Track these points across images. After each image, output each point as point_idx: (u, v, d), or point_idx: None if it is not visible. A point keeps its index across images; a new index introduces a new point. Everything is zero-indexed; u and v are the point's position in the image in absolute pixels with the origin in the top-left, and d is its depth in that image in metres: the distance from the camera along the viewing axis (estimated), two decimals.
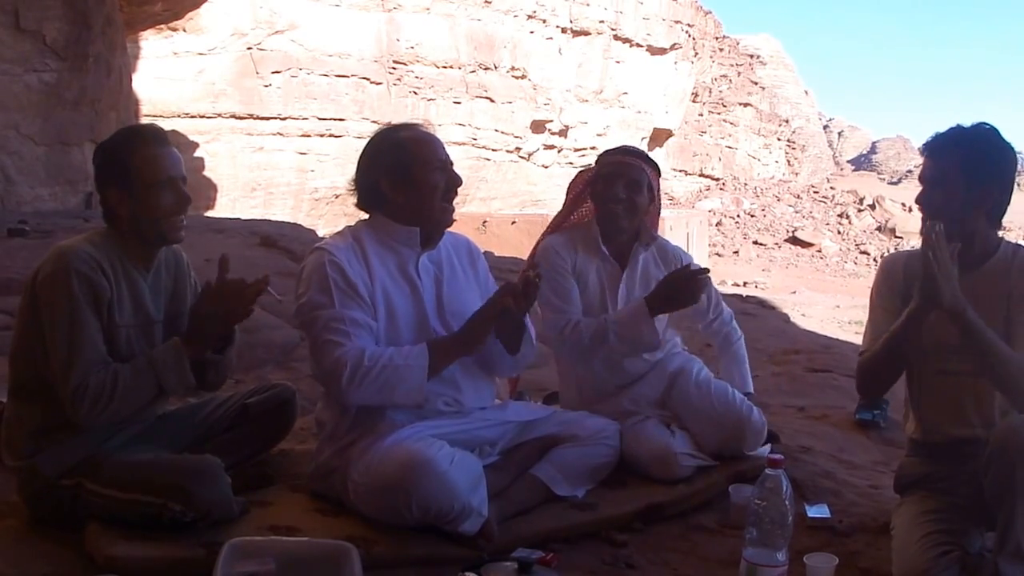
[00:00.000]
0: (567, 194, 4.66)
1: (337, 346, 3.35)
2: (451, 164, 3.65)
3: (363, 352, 3.34)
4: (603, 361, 4.31)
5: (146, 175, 3.28)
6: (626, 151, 4.47)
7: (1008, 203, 3.29)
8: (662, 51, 49.43)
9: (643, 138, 49.36)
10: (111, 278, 3.24)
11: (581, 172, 4.62)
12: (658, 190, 4.45)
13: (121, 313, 3.28)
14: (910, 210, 41.92)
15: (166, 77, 28.42)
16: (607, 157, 4.43)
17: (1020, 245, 3.42)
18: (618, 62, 46.17)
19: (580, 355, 4.30)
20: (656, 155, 49.28)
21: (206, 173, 28.32)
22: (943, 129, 3.32)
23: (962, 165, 3.20)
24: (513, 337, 3.68)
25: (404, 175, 3.57)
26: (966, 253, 3.23)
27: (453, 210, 3.68)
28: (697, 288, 4.07)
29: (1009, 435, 2.90)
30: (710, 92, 66.13)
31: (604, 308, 4.33)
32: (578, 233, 4.45)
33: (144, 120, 25.01)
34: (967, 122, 3.31)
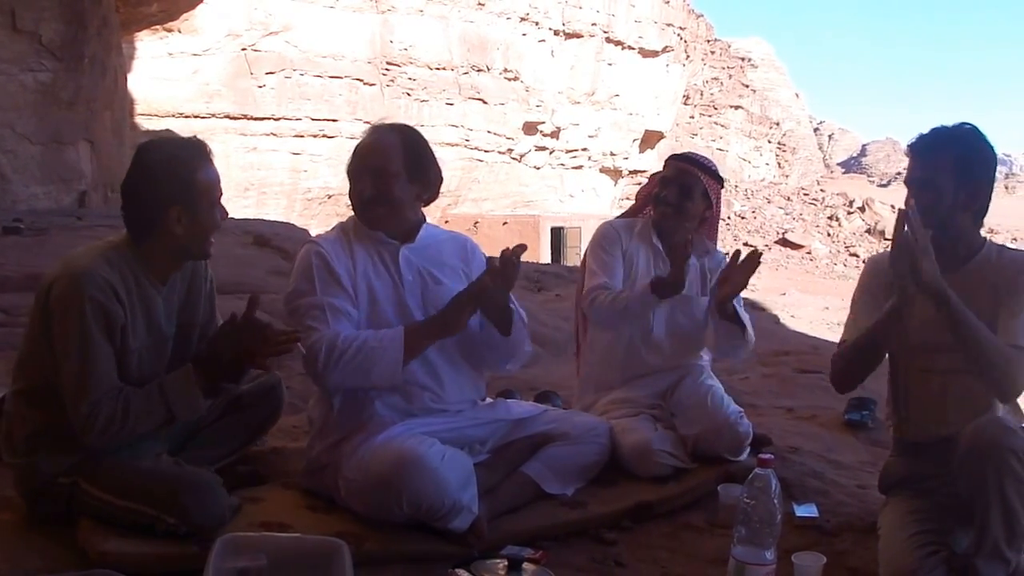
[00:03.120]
0: (639, 192, 4.86)
1: (315, 331, 3.39)
2: (382, 172, 3.65)
3: (338, 335, 3.38)
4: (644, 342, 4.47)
5: (208, 195, 3.32)
6: (687, 158, 4.59)
7: (990, 201, 3.31)
8: (654, 54, 49.38)
9: (634, 140, 49.34)
10: (125, 303, 3.22)
11: (655, 174, 4.73)
12: (718, 200, 4.56)
13: (135, 336, 3.28)
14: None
15: (161, 77, 28.41)
16: (670, 161, 4.61)
17: (1004, 246, 3.45)
18: (610, 64, 46.11)
19: (605, 322, 4.43)
20: (647, 157, 49.31)
21: None
22: (927, 131, 3.34)
23: (953, 166, 3.22)
24: (500, 321, 3.67)
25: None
26: (951, 253, 3.26)
27: (380, 213, 3.68)
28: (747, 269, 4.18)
29: (977, 436, 2.93)
30: (701, 95, 66.21)
31: None
32: (639, 223, 4.64)
33: (139, 120, 25.03)
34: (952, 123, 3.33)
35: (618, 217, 4.87)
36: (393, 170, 3.62)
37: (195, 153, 3.36)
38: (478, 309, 3.60)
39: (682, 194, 4.44)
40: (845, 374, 3.50)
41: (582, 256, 4.83)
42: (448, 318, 3.50)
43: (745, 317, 4.33)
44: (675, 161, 4.58)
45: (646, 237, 4.56)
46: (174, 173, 3.28)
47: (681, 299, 4.38)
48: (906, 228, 3.08)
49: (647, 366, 4.48)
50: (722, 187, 4.64)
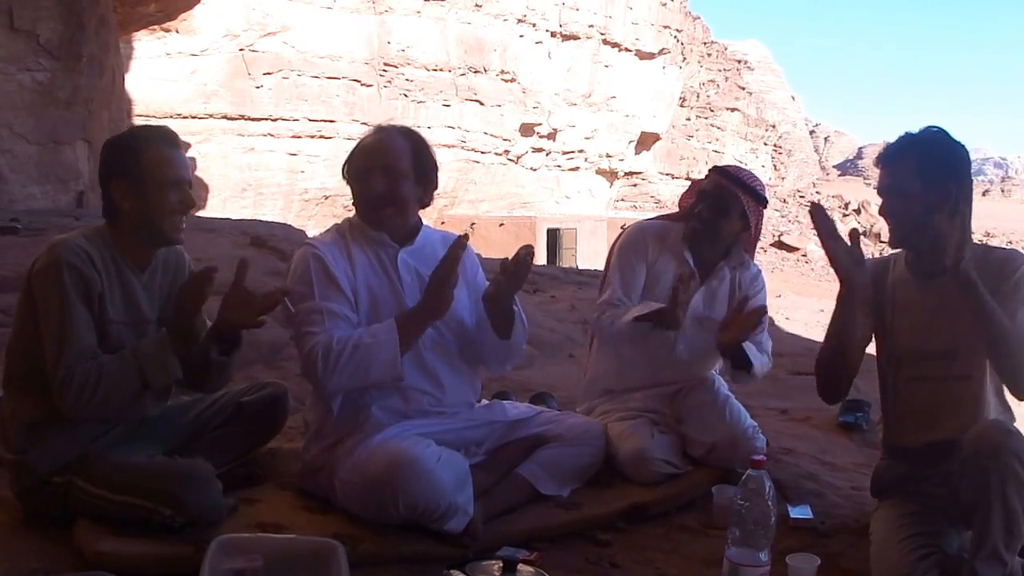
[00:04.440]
0: (682, 198, 4.64)
1: (313, 336, 3.39)
2: (392, 170, 3.64)
3: (332, 338, 3.37)
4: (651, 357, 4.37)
5: (156, 173, 3.32)
6: (730, 175, 4.36)
7: (970, 201, 3.31)
8: (650, 56, 49.45)
9: (631, 141, 49.42)
10: (101, 272, 3.26)
11: (696, 181, 4.61)
12: (759, 220, 4.39)
13: (113, 309, 3.30)
14: None
15: (159, 77, 28.48)
16: (713, 173, 4.41)
17: (989, 246, 3.46)
18: (607, 66, 46.18)
19: (607, 341, 4.38)
20: (643, 159, 49.38)
21: (197, 173, 28.27)
22: (893, 140, 3.38)
23: (917, 169, 3.24)
24: (503, 321, 3.67)
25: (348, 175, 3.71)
26: (932, 258, 3.28)
27: (388, 213, 3.68)
28: (748, 323, 4.06)
29: (980, 440, 2.94)
30: (698, 97, 66.20)
31: None
32: (673, 230, 4.45)
33: (136, 120, 25.03)
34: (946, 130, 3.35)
35: (657, 218, 4.67)
36: (403, 170, 3.63)
37: (150, 135, 3.43)
38: (484, 308, 3.63)
39: (716, 212, 4.27)
40: (826, 379, 3.53)
41: (606, 256, 4.65)
42: (432, 300, 3.47)
43: (754, 352, 4.21)
44: (717, 175, 4.37)
45: (676, 249, 4.39)
46: (119, 149, 3.37)
47: (706, 320, 4.34)
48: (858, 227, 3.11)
49: (664, 379, 4.42)
50: (765, 207, 4.45)
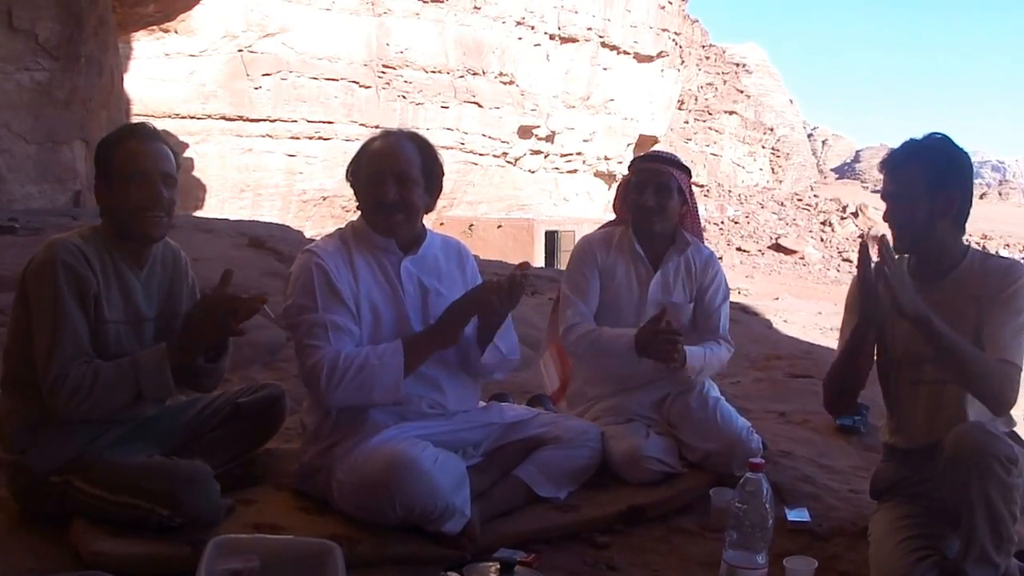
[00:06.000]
0: (615, 204, 4.75)
1: (317, 350, 3.38)
2: (404, 177, 3.63)
3: (339, 354, 3.37)
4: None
5: (122, 168, 3.31)
6: (655, 157, 4.56)
7: (970, 207, 3.34)
8: (649, 58, 49.45)
9: (629, 144, 49.39)
10: (98, 272, 3.25)
11: (622, 183, 4.69)
12: (691, 193, 4.53)
13: (110, 308, 3.30)
14: None
15: (157, 78, 28.48)
16: (637, 164, 4.55)
17: (988, 253, 3.47)
18: (605, 69, 46.18)
19: (583, 358, 4.46)
20: None
21: (195, 174, 28.34)
22: (898, 146, 3.39)
23: (923, 176, 3.25)
24: (494, 333, 3.70)
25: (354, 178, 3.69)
26: (934, 263, 3.32)
27: (399, 220, 3.65)
28: (661, 349, 4.08)
29: (960, 443, 2.94)
30: (696, 100, 66.37)
31: (636, 306, 4.42)
32: (617, 232, 4.57)
33: (135, 120, 25.05)
34: (944, 134, 3.36)
35: (600, 228, 4.77)
36: (415, 177, 3.61)
37: (126, 132, 3.44)
38: (476, 317, 3.61)
39: (661, 194, 4.37)
40: (832, 397, 3.57)
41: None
42: (445, 330, 3.51)
43: (697, 354, 4.25)
44: (643, 163, 4.52)
45: (624, 246, 4.49)
46: (101, 148, 3.39)
47: (666, 304, 4.35)
48: (875, 260, 3.12)
49: (639, 377, 4.40)
50: (690, 178, 4.57)
